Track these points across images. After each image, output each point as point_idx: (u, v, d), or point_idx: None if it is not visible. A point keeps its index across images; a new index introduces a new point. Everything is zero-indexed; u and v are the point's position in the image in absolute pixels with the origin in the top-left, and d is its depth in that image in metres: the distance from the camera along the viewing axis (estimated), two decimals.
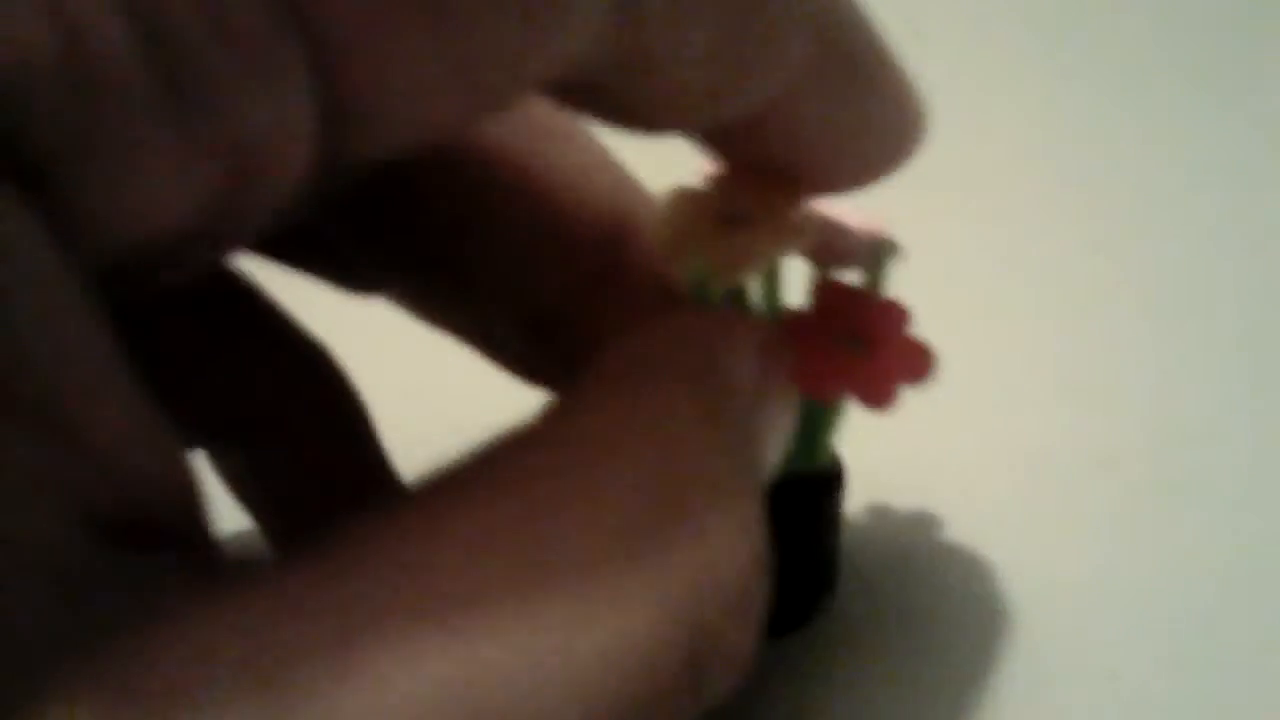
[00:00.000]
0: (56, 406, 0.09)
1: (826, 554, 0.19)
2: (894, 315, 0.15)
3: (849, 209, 0.16)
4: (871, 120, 0.14)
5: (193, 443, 0.17)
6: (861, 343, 0.15)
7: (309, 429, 0.17)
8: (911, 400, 0.16)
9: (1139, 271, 0.25)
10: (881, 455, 0.20)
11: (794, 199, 0.15)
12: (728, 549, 0.11)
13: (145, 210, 0.09)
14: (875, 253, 0.15)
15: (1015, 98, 0.30)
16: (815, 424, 0.17)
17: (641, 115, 0.13)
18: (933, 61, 0.32)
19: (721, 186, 0.15)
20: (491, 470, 0.11)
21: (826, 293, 0.15)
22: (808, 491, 0.18)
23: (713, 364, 0.13)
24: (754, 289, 0.16)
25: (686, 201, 0.15)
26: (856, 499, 0.20)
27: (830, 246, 0.15)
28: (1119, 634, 0.18)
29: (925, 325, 0.15)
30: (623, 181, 0.17)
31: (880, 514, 0.21)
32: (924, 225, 0.16)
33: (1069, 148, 0.28)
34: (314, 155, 0.10)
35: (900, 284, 0.16)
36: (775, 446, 0.14)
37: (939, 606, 0.19)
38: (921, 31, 0.33)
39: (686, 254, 0.15)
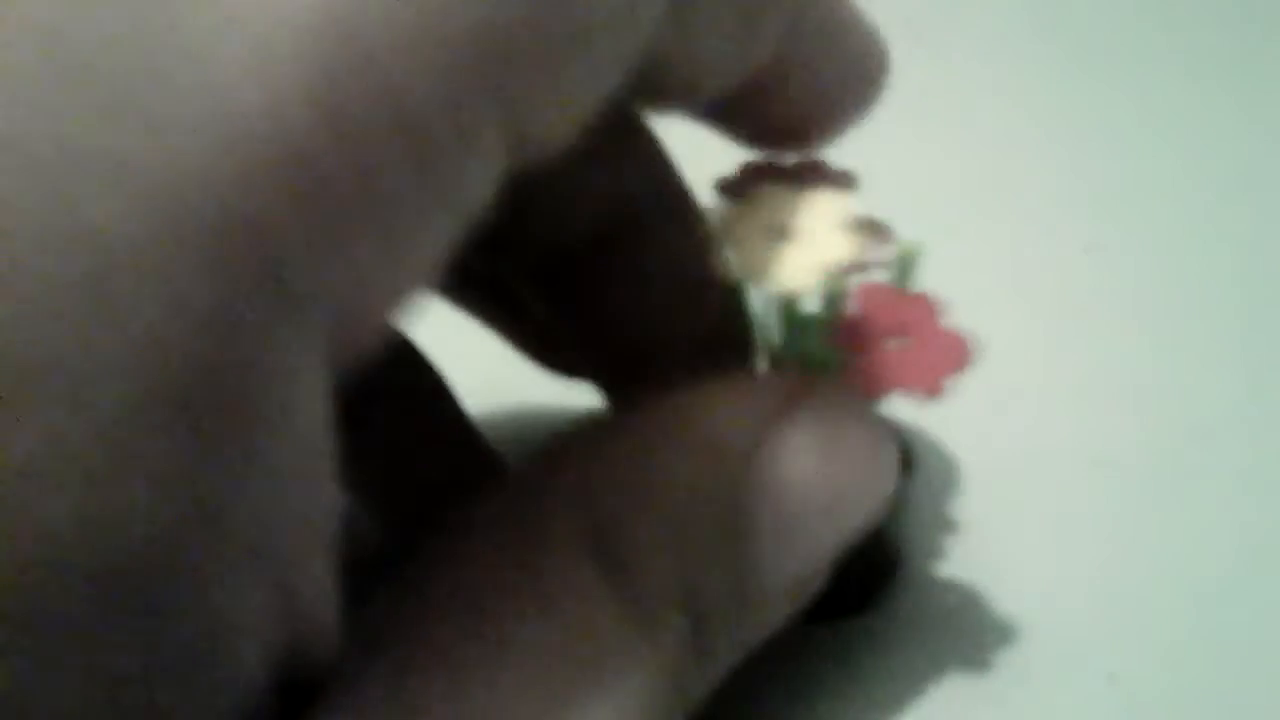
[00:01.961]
0: (279, 556, 0.09)
1: (886, 538, 0.19)
2: (931, 308, 0.16)
3: (866, 218, 0.16)
4: (844, 64, 0.16)
5: None
6: (906, 338, 0.16)
7: (399, 411, 0.17)
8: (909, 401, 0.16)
9: (1137, 271, 0.25)
10: None
11: (835, 213, 0.16)
12: None
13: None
14: (904, 258, 0.16)
15: (1012, 96, 0.30)
16: None
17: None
18: (932, 61, 0.32)
19: (766, 200, 0.16)
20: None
21: (869, 295, 0.16)
22: None
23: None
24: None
25: (736, 217, 0.16)
26: None
27: (866, 256, 0.16)
28: (1118, 635, 0.18)
29: None
30: None
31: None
32: (921, 225, 0.16)
33: (1066, 147, 0.28)
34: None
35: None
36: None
37: (936, 607, 0.19)
38: (920, 32, 0.33)
39: (746, 274, 0.16)
